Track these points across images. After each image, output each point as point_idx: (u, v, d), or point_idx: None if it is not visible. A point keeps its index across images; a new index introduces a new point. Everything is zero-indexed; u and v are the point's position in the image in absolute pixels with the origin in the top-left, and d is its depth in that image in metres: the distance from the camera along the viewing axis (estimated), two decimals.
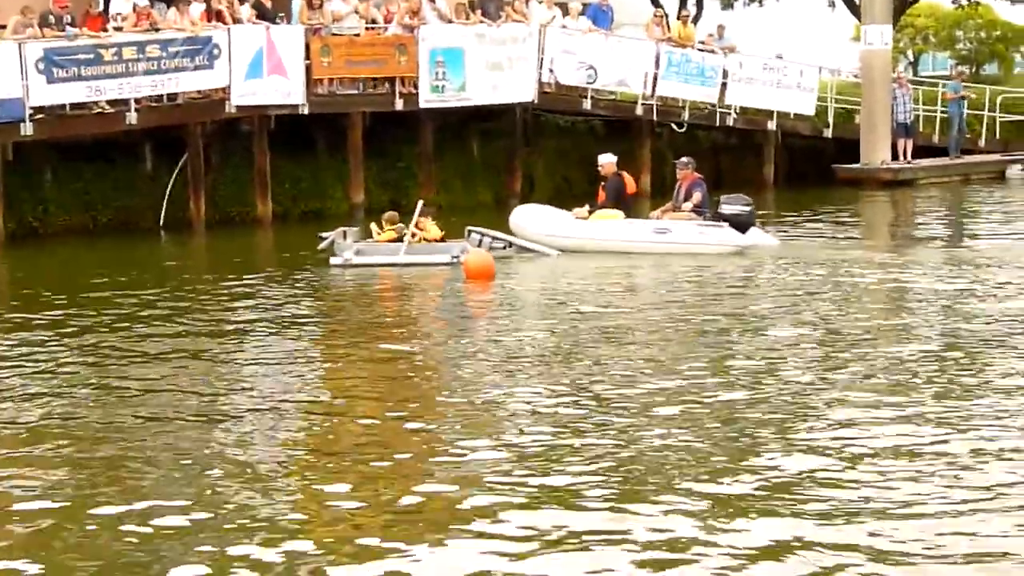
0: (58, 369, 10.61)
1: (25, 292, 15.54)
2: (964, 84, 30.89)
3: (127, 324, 12.63)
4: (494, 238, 17.25)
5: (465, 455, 7.79)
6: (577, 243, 17.45)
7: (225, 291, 14.93)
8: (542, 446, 7.91)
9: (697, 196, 17.66)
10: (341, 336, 12.34)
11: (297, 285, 15.30)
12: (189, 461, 7.79)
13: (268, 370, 10.60)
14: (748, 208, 17.42)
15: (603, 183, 18.35)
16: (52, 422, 8.85)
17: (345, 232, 17.09)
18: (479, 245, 16.91)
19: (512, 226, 17.93)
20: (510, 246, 17.20)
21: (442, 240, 17.12)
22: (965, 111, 29.70)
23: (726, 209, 17.41)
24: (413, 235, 16.84)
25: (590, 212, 17.89)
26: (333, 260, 16.48)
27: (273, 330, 12.37)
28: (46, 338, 11.97)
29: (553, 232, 17.55)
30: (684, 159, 18.23)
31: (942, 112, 29.72)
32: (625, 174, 18.59)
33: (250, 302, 14.05)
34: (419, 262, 16.48)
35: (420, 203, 17.50)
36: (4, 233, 20.09)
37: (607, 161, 18.38)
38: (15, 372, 10.50)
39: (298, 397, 9.58)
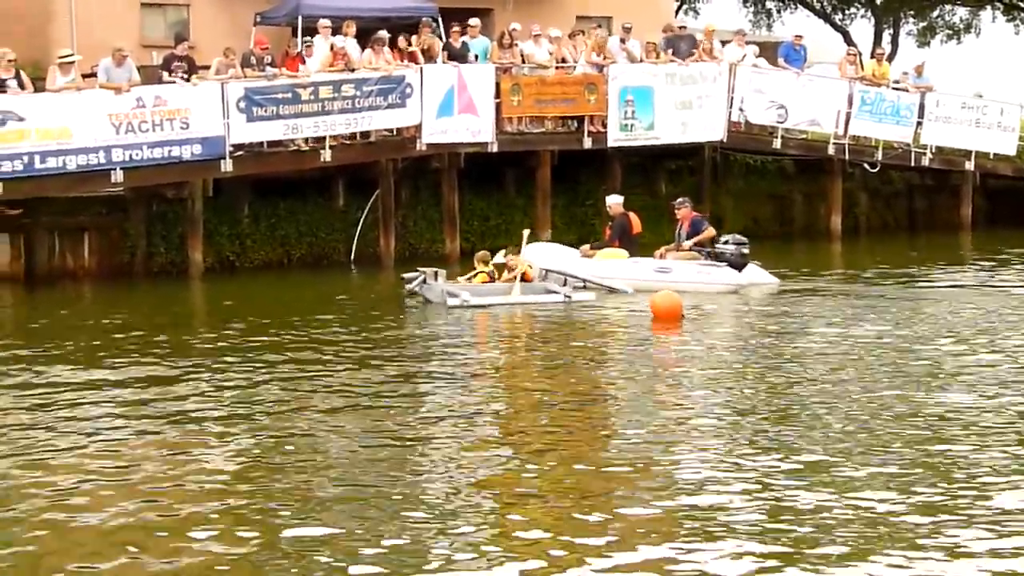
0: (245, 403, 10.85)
1: (220, 322, 15.93)
2: None
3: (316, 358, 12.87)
4: (573, 277, 17.47)
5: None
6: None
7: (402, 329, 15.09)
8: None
9: (709, 231, 18.48)
10: (543, 377, 12.33)
11: (481, 326, 15.36)
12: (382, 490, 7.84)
13: (473, 406, 10.62)
14: (742, 248, 17.99)
15: (610, 223, 19.21)
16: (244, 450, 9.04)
17: (436, 273, 17.22)
18: (564, 284, 17.24)
19: None
20: (585, 285, 17.28)
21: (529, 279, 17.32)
22: None
23: (722, 248, 18.08)
24: (520, 272, 16.99)
25: (595, 250, 18.64)
26: (451, 301, 16.22)
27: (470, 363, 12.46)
28: (238, 365, 12.27)
29: (560, 268, 17.86)
30: (680, 199, 19.26)
31: None
32: (632, 215, 19.22)
33: (428, 341, 14.21)
34: (532, 301, 16.58)
35: (526, 232, 17.84)
36: (203, 266, 20.72)
37: (614, 202, 19.37)
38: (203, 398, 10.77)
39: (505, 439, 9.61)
